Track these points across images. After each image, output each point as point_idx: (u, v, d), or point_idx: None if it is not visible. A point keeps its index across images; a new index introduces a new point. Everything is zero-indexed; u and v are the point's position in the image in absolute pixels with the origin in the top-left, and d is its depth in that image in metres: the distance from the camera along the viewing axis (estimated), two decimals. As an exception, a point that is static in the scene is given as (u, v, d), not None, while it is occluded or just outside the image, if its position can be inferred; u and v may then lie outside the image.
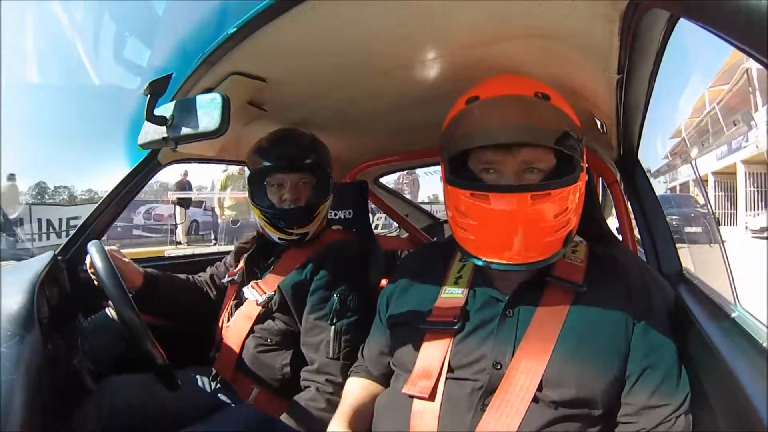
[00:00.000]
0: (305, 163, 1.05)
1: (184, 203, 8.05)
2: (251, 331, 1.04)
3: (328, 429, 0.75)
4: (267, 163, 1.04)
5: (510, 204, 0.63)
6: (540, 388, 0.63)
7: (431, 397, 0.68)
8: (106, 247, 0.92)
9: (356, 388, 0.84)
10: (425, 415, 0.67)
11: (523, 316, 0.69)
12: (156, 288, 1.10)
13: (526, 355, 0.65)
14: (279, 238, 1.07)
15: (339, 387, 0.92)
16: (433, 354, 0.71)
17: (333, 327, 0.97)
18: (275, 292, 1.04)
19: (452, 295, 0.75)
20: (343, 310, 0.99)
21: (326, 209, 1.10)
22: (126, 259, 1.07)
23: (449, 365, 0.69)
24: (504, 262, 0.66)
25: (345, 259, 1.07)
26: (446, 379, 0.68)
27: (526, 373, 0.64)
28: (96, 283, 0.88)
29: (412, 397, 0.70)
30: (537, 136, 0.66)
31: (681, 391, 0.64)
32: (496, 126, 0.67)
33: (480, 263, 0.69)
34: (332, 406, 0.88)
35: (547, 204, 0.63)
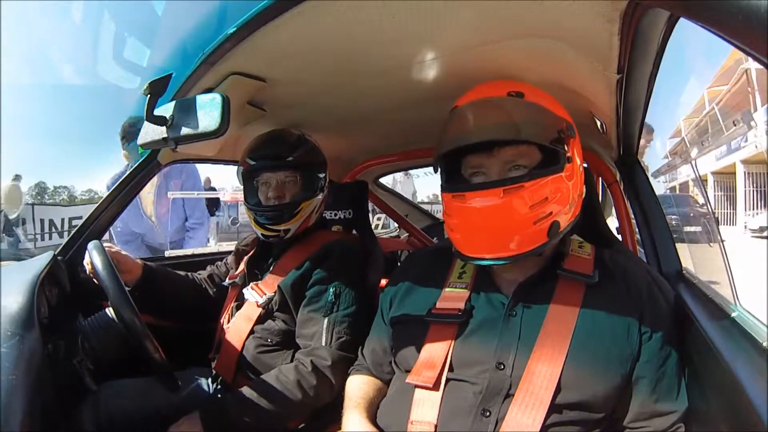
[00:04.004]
0: (288, 161, 1.07)
1: (211, 208, 7.71)
2: (251, 331, 1.04)
3: (345, 418, 0.76)
4: (253, 163, 1.07)
5: (483, 200, 0.66)
6: (558, 390, 0.63)
7: (435, 387, 0.68)
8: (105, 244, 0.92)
9: (361, 383, 0.84)
10: (426, 403, 0.68)
11: (527, 317, 0.69)
12: (155, 280, 1.11)
13: (542, 357, 0.65)
14: (263, 235, 1.09)
15: (322, 371, 0.92)
16: (437, 348, 0.71)
17: (326, 318, 0.98)
18: (275, 292, 1.04)
19: (456, 289, 0.76)
20: (337, 303, 1.00)
21: (312, 207, 1.10)
22: (124, 252, 1.08)
23: (450, 363, 0.69)
24: (488, 256, 0.68)
25: (342, 256, 1.08)
26: (447, 379, 0.69)
27: (542, 375, 0.63)
28: (96, 282, 0.88)
29: (416, 387, 0.70)
30: (508, 132, 0.68)
31: (684, 396, 0.66)
32: (467, 128, 0.70)
33: (469, 261, 0.72)
34: (301, 386, 0.90)
35: (520, 196, 0.65)
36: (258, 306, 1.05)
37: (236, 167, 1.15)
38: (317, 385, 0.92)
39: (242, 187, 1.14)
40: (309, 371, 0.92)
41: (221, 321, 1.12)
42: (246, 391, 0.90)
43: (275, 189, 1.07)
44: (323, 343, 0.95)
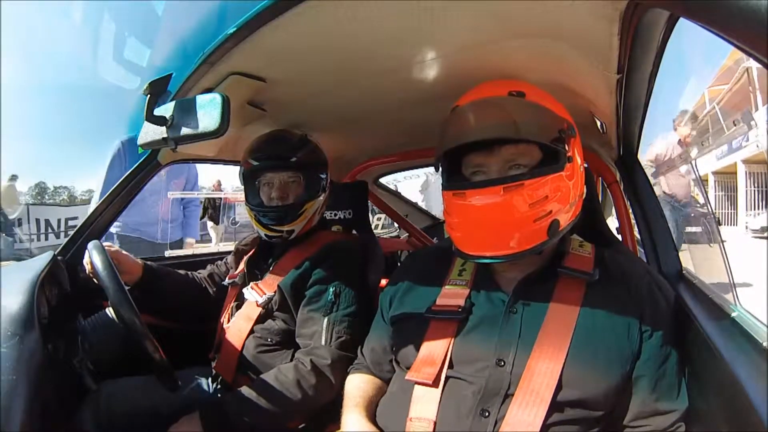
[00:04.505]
0: (291, 161, 1.07)
1: (216, 216, 7.10)
2: (251, 331, 1.04)
3: (344, 417, 0.76)
4: (255, 163, 1.07)
5: (483, 198, 0.66)
6: (558, 388, 0.63)
7: (435, 383, 0.68)
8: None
9: (360, 382, 0.84)
10: (425, 400, 0.67)
11: (527, 314, 0.69)
12: (155, 280, 1.11)
13: (542, 354, 0.65)
14: (266, 235, 1.09)
15: (321, 371, 0.92)
16: (437, 345, 0.71)
17: (326, 318, 0.98)
18: (275, 292, 1.04)
19: (456, 286, 0.76)
20: (337, 303, 1.00)
21: (315, 207, 1.11)
22: (125, 252, 1.08)
23: (450, 360, 0.69)
24: (488, 254, 0.68)
25: (342, 256, 1.08)
26: (447, 377, 0.69)
27: (543, 373, 0.63)
28: (96, 282, 0.88)
29: (415, 384, 0.70)
30: (508, 131, 0.68)
31: (685, 396, 0.66)
32: (468, 127, 0.71)
33: (470, 259, 0.72)
34: (300, 385, 0.90)
35: (520, 194, 0.65)
36: (258, 306, 1.05)
37: (238, 167, 1.15)
38: (317, 385, 0.92)
39: (242, 187, 1.14)
40: (308, 370, 0.92)
41: (221, 321, 1.12)
42: (245, 390, 0.90)
43: (278, 189, 1.07)
44: (323, 343, 0.96)
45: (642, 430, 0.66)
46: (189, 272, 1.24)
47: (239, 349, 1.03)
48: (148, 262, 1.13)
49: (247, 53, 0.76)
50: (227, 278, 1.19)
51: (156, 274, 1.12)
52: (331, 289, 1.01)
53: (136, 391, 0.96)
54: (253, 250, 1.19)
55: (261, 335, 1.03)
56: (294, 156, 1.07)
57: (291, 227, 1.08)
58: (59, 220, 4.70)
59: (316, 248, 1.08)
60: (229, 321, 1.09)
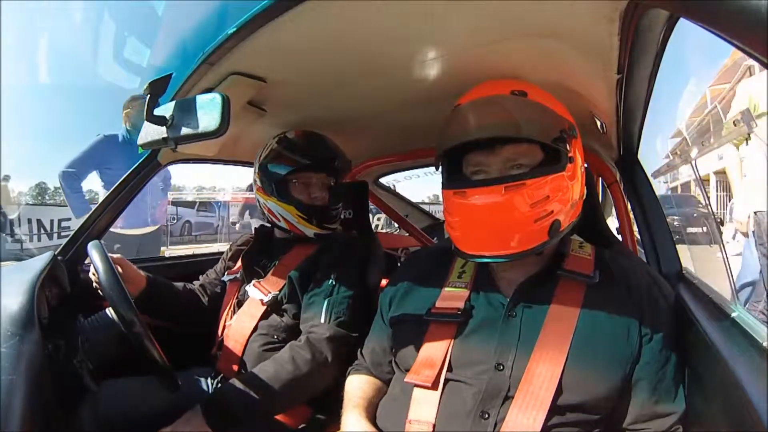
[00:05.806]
0: (335, 164, 1.13)
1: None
2: (255, 329, 1.04)
3: (344, 418, 0.76)
4: (306, 162, 1.09)
5: (484, 197, 0.66)
6: (559, 392, 0.63)
7: (434, 386, 0.68)
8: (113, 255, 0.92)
9: (360, 383, 0.84)
10: (424, 402, 0.67)
11: (527, 317, 0.69)
12: (158, 291, 1.12)
13: (542, 358, 0.64)
14: (315, 234, 1.12)
15: (316, 346, 0.93)
16: (436, 347, 0.71)
17: (326, 300, 1.00)
18: (281, 289, 1.05)
19: (456, 288, 0.76)
20: (337, 286, 1.02)
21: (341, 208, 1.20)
22: (129, 262, 1.09)
23: (449, 363, 0.69)
24: (488, 254, 0.68)
25: (345, 246, 1.12)
26: (446, 380, 0.68)
27: (542, 376, 0.63)
28: (97, 284, 0.88)
29: (415, 386, 0.70)
30: (509, 130, 0.68)
31: (683, 398, 0.66)
32: (469, 126, 0.70)
33: (469, 259, 0.72)
34: (294, 361, 0.91)
35: (521, 194, 0.65)
36: (263, 304, 1.05)
37: (257, 162, 1.15)
38: (312, 360, 0.92)
39: (261, 184, 1.13)
40: (302, 344, 0.94)
41: (223, 318, 1.12)
42: (244, 378, 0.91)
43: (322, 189, 1.12)
44: (321, 321, 0.97)
45: None
46: (185, 284, 1.25)
47: (242, 347, 1.03)
48: (150, 275, 1.13)
49: (247, 53, 0.76)
50: (227, 273, 1.20)
51: (158, 285, 1.13)
52: (333, 275, 1.03)
53: (136, 391, 0.96)
54: (248, 246, 1.20)
55: (267, 332, 1.03)
56: (336, 160, 1.12)
57: (334, 225, 1.13)
58: (52, 221, 4.66)
59: (323, 243, 1.11)
60: (231, 317, 1.10)
